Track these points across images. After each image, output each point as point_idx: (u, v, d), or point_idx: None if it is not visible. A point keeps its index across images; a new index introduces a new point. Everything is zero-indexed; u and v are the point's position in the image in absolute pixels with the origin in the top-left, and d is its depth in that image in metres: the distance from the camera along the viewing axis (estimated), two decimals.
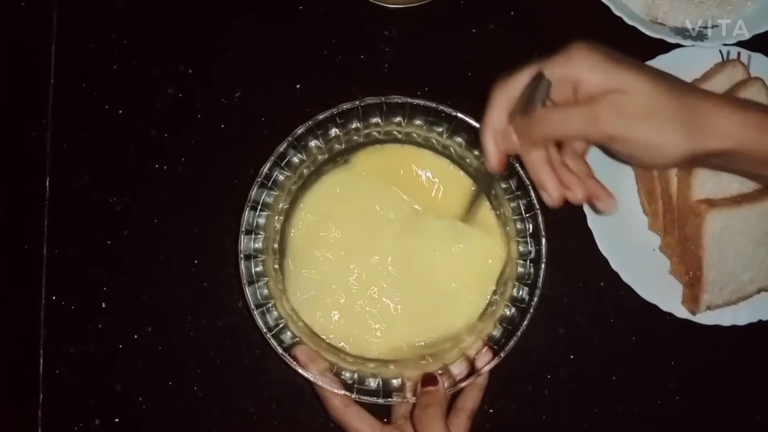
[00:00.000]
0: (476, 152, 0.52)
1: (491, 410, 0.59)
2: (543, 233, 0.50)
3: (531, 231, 0.51)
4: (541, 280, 0.50)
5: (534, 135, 0.42)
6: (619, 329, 0.60)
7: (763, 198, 0.54)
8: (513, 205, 0.52)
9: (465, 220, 0.53)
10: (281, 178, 0.51)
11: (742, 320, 0.57)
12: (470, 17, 0.62)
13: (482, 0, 0.62)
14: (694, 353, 0.60)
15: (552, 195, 0.43)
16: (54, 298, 0.59)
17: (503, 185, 0.52)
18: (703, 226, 0.53)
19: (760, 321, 0.57)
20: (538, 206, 0.50)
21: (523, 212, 0.51)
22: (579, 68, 0.41)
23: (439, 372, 0.49)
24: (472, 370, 0.50)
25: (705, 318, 0.57)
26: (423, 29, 0.62)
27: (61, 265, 0.60)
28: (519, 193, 0.51)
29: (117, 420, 0.58)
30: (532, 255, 0.51)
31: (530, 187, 0.50)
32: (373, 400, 0.48)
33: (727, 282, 0.55)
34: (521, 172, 0.50)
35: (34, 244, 0.60)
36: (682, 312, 0.57)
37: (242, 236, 0.50)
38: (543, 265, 0.50)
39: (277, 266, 0.53)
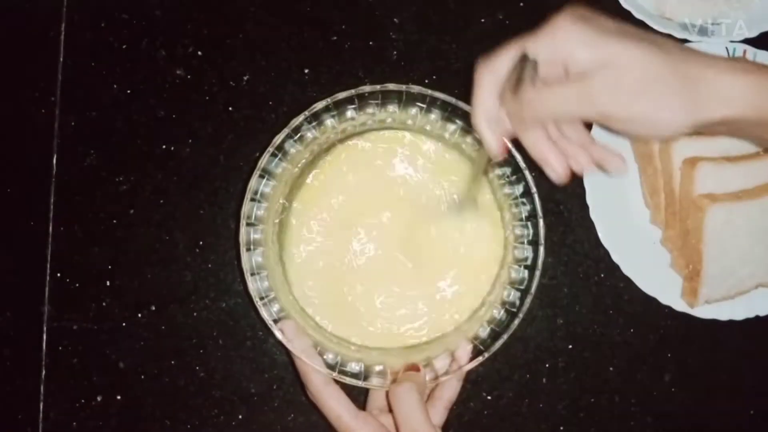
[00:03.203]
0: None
1: (489, 397, 0.60)
2: (542, 241, 0.50)
3: (530, 237, 0.51)
4: (534, 286, 0.49)
5: (527, 118, 0.41)
6: (618, 321, 0.60)
7: (764, 194, 0.54)
8: (515, 210, 0.52)
9: (464, 203, 0.53)
10: (292, 150, 0.51)
11: (739, 315, 0.58)
12: (479, 6, 0.62)
13: None
14: (691, 346, 0.60)
15: (557, 169, 0.42)
16: (59, 275, 0.60)
17: (507, 190, 0.52)
18: (704, 220, 0.54)
19: (757, 316, 0.58)
20: (540, 213, 0.50)
21: (524, 218, 0.51)
22: (567, 45, 0.39)
23: (423, 364, 0.49)
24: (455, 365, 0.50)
25: (703, 312, 0.57)
26: (432, 17, 0.62)
27: (67, 243, 0.60)
28: (524, 199, 0.51)
29: (119, 397, 0.59)
30: (528, 261, 0.51)
31: (536, 194, 0.50)
32: (354, 382, 0.48)
33: (726, 276, 0.56)
34: (529, 179, 0.50)
35: (39, 221, 0.60)
36: (680, 305, 0.58)
37: (247, 201, 0.50)
38: (538, 272, 0.49)
39: (274, 238, 0.53)
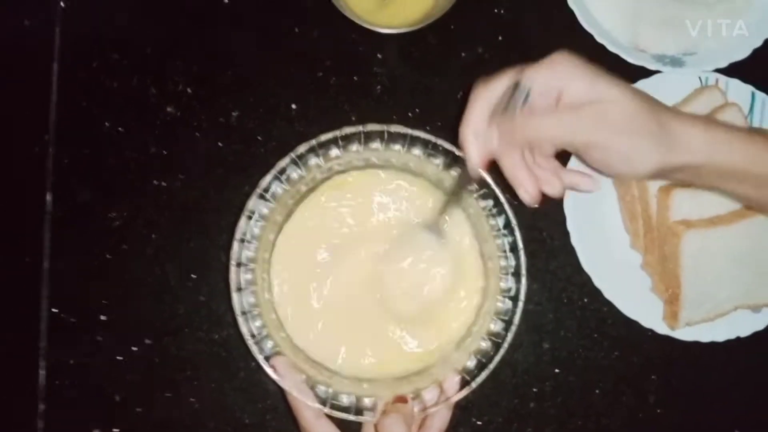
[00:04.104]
0: (452, 172, 0.54)
1: (479, 422, 0.61)
2: (524, 272, 0.51)
3: (513, 270, 0.52)
4: (518, 317, 0.51)
5: (517, 138, 0.44)
6: (602, 344, 0.62)
7: (737, 219, 0.56)
8: (498, 242, 0.53)
9: (440, 213, 0.54)
10: (279, 191, 0.53)
11: (720, 337, 0.59)
12: (460, 41, 0.64)
13: (472, 25, 0.64)
14: (674, 368, 0.61)
15: (530, 191, 0.45)
16: (54, 310, 0.61)
17: (491, 222, 0.53)
18: (680, 245, 0.55)
19: (738, 337, 0.59)
20: (521, 246, 0.52)
21: (507, 250, 0.52)
22: (563, 78, 0.43)
23: (411, 396, 0.50)
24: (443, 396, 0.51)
25: (684, 334, 0.59)
26: (415, 53, 0.64)
27: (62, 279, 0.61)
28: (505, 231, 0.52)
29: (116, 430, 0.60)
30: (512, 292, 0.52)
31: (516, 227, 0.52)
32: (345, 416, 0.49)
33: (704, 299, 0.57)
34: (509, 212, 0.52)
35: (35, 257, 0.61)
36: (662, 328, 0.59)
37: (236, 243, 0.51)
38: (521, 303, 0.51)
39: (265, 276, 0.55)
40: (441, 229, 0.54)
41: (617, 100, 0.42)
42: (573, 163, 0.58)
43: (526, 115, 0.43)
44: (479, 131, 0.45)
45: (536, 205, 0.46)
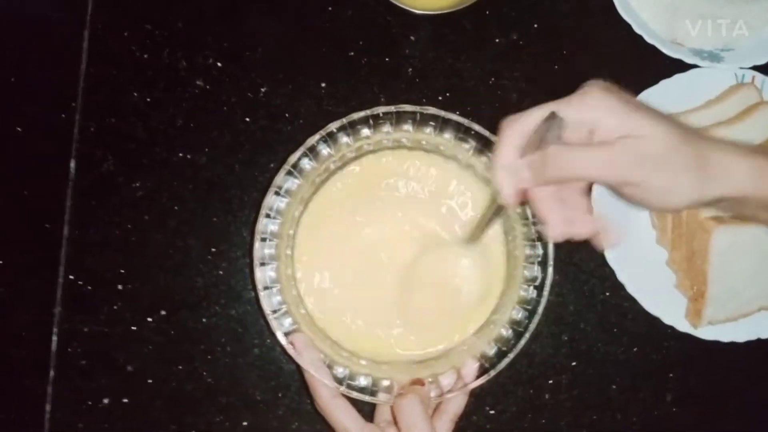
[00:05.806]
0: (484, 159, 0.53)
1: (492, 411, 0.60)
2: (551, 262, 0.51)
3: (539, 258, 0.52)
4: (542, 307, 0.50)
5: (548, 174, 0.42)
6: (622, 339, 0.61)
7: None
8: (525, 230, 0.53)
9: (474, 236, 0.53)
10: (307, 167, 0.52)
11: (741, 337, 0.58)
12: (494, 27, 0.64)
13: (507, 11, 0.64)
14: (693, 367, 0.61)
15: (556, 230, 0.44)
16: (71, 277, 0.61)
17: (518, 210, 0.53)
18: (710, 241, 0.55)
19: (759, 339, 0.59)
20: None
21: (535, 239, 0.52)
22: (596, 111, 0.41)
23: (429, 380, 0.50)
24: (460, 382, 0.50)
25: (705, 333, 0.58)
26: (448, 36, 0.63)
27: (81, 246, 0.61)
28: (534, 220, 0.52)
29: (126, 400, 0.60)
30: (537, 281, 0.51)
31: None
32: (361, 396, 0.49)
33: (730, 298, 0.57)
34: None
35: (55, 223, 0.61)
36: (683, 326, 0.58)
37: (262, 217, 0.51)
38: (545, 293, 0.50)
39: (289, 252, 0.54)
40: (473, 245, 0.54)
41: (652, 135, 0.40)
42: (597, 190, 0.58)
43: (563, 149, 0.42)
44: (511, 165, 0.44)
45: (560, 241, 0.45)
